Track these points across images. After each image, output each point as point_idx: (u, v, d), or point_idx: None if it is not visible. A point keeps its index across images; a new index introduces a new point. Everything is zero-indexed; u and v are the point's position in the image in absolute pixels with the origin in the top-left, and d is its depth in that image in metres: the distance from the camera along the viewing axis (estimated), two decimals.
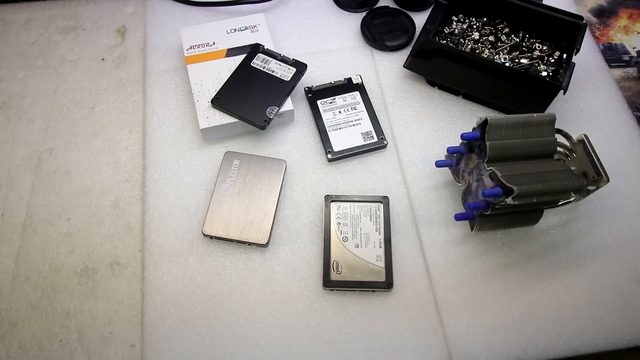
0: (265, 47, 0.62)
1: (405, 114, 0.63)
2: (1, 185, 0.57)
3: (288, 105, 0.59)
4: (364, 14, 0.70)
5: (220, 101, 0.58)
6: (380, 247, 0.53)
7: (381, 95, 0.64)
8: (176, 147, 0.60)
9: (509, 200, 0.45)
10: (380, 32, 0.68)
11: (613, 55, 0.72)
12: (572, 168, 0.51)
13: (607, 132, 0.63)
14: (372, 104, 0.62)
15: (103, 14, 0.70)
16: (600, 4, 0.77)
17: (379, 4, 0.72)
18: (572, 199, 0.53)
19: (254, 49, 0.62)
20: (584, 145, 0.52)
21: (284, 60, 0.61)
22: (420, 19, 0.68)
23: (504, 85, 0.60)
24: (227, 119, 0.58)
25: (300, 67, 0.61)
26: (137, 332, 0.50)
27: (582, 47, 0.61)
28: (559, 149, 0.53)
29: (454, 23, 0.66)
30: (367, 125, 0.61)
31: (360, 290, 0.52)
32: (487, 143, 0.49)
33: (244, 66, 0.60)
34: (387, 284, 0.52)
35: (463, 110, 0.64)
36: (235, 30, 0.64)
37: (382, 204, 0.55)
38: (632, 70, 0.71)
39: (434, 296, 0.53)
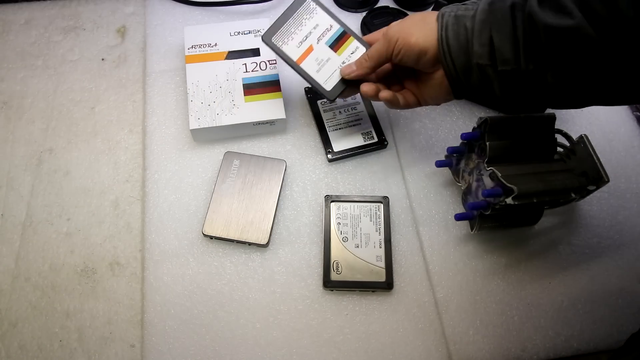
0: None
1: (405, 114, 0.63)
2: (1, 185, 0.57)
3: (280, 113, 0.59)
4: (364, 13, 0.70)
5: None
6: (380, 247, 0.53)
7: None
8: (176, 147, 0.60)
9: (509, 200, 0.45)
10: (461, 2, 0.66)
11: None
12: (572, 168, 0.51)
13: (607, 132, 0.63)
14: (372, 104, 0.62)
15: (103, 14, 0.69)
16: None
17: (379, 4, 0.72)
18: (572, 199, 0.53)
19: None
20: (584, 145, 0.52)
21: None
22: None
23: None
24: (218, 122, 0.58)
25: None
26: (137, 332, 0.50)
27: None
28: (559, 149, 0.53)
29: None
30: (367, 125, 0.61)
31: (360, 291, 0.52)
32: (487, 143, 0.49)
33: None
34: (387, 284, 0.52)
35: (463, 110, 0.64)
36: (238, 33, 0.64)
37: (382, 204, 0.55)
38: None
39: (434, 296, 0.53)
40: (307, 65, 0.53)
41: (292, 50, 0.53)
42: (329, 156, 0.59)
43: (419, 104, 0.52)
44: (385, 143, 0.60)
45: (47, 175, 0.58)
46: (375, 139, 0.60)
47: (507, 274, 0.54)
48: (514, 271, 0.54)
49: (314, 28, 0.53)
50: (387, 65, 0.53)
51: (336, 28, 0.53)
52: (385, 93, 0.50)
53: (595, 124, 0.64)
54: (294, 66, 0.53)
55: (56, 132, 0.61)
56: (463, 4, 0.45)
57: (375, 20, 0.69)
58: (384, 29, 0.49)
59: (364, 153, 0.60)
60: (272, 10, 0.71)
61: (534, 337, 0.51)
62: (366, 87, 0.51)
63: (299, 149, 0.60)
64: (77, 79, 0.64)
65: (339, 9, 0.71)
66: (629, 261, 0.55)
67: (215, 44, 0.63)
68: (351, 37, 0.53)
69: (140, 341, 0.50)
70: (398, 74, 0.53)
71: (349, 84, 0.53)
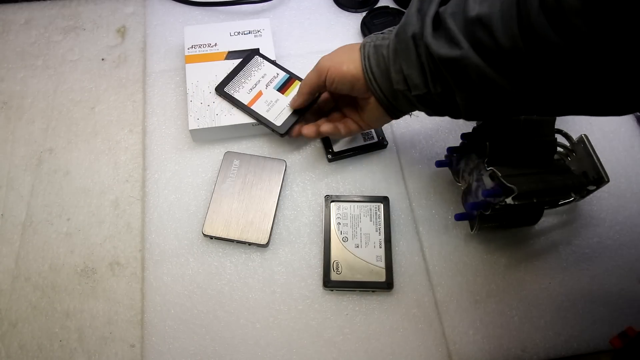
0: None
1: None
2: (1, 185, 0.57)
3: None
4: (364, 14, 0.70)
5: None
6: (380, 247, 0.53)
7: None
8: (176, 147, 0.60)
9: (509, 200, 0.45)
10: (380, 32, 0.68)
11: None
12: (572, 168, 0.51)
13: (607, 132, 0.63)
14: None
15: (103, 14, 0.70)
16: None
17: (379, 4, 0.72)
18: (572, 199, 0.53)
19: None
20: (584, 145, 0.52)
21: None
22: None
23: None
24: (217, 122, 0.58)
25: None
26: (137, 332, 0.50)
27: None
28: (559, 149, 0.53)
29: None
30: None
31: (360, 291, 0.52)
32: (487, 143, 0.49)
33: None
34: (387, 284, 0.52)
35: None
36: (238, 33, 0.64)
37: (382, 204, 0.55)
38: None
39: (434, 296, 0.53)
40: (257, 107, 0.58)
41: (244, 96, 0.59)
42: (329, 156, 0.59)
43: (361, 129, 0.55)
44: (385, 143, 0.60)
45: (47, 175, 0.58)
46: (375, 139, 0.60)
47: (507, 274, 0.54)
48: (514, 271, 0.54)
49: (262, 77, 0.60)
50: (326, 95, 0.56)
51: (282, 75, 0.60)
52: (325, 127, 0.54)
53: (595, 124, 0.64)
54: (246, 109, 0.58)
55: (56, 132, 0.61)
56: (381, 33, 0.48)
57: (375, 20, 0.69)
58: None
59: (364, 153, 0.60)
60: (272, 10, 0.71)
61: (534, 337, 0.51)
62: (306, 130, 0.55)
63: (299, 149, 0.60)
64: (77, 79, 0.64)
65: (339, 9, 0.71)
66: (629, 261, 0.55)
67: (215, 44, 0.63)
68: (296, 81, 0.60)
69: (140, 341, 0.50)
70: (338, 104, 0.57)
71: (299, 119, 0.57)
